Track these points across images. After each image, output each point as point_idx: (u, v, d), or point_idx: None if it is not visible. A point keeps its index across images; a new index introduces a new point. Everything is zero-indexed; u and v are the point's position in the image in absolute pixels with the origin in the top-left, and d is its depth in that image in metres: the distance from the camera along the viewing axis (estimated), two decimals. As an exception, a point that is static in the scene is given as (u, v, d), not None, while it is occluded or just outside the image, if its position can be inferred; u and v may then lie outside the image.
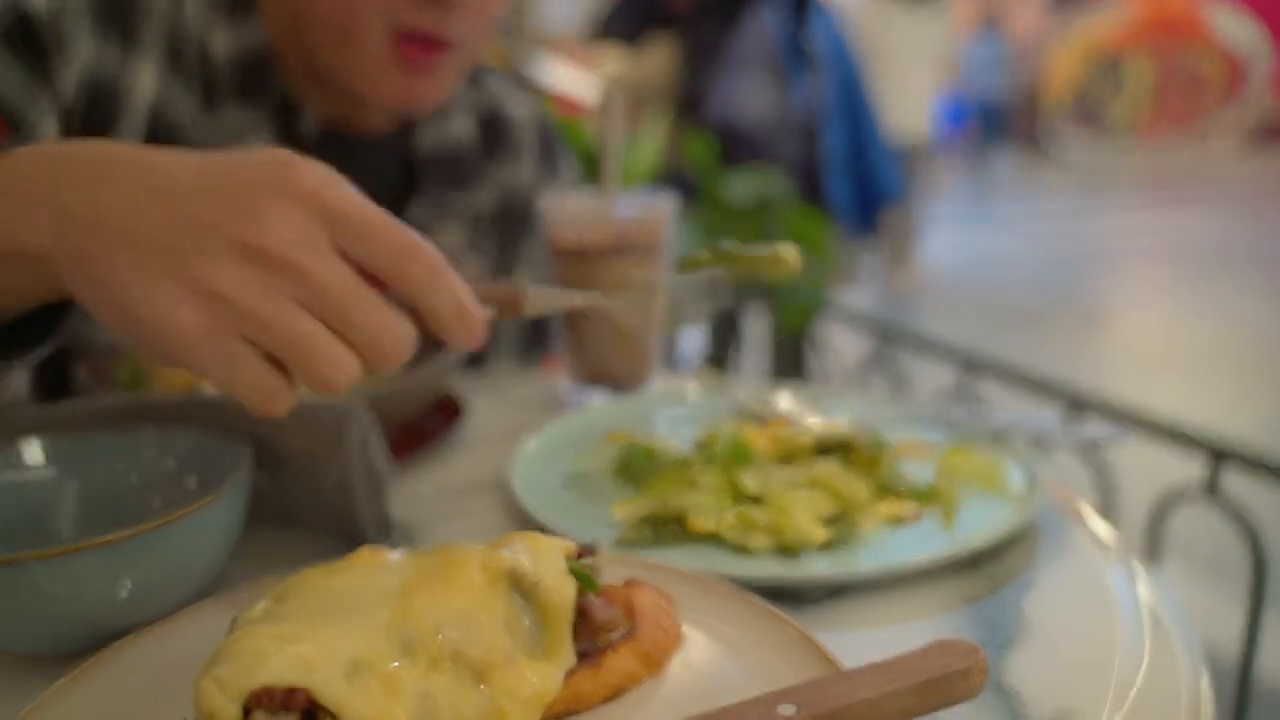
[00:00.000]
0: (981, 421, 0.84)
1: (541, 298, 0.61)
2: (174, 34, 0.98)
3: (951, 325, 5.91)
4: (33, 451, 0.63)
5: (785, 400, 0.87)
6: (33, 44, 0.88)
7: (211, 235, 0.49)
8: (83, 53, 0.90)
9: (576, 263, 0.91)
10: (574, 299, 0.64)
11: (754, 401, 0.88)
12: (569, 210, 0.92)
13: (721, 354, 2.99)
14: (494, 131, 1.19)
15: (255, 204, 0.50)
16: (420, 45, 0.91)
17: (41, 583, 0.51)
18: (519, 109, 1.22)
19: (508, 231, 1.20)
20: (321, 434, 0.63)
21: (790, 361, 2.86)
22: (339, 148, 1.05)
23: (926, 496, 0.71)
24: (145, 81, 0.94)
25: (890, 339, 2.08)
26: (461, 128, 1.15)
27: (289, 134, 1.00)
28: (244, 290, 0.49)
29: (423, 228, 1.08)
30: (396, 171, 1.11)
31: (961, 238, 8.63)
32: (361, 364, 0.52)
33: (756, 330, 3.00)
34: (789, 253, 0.63)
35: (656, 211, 0.92)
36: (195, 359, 0.50)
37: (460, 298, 0.53)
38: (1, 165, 0.55)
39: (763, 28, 3.08)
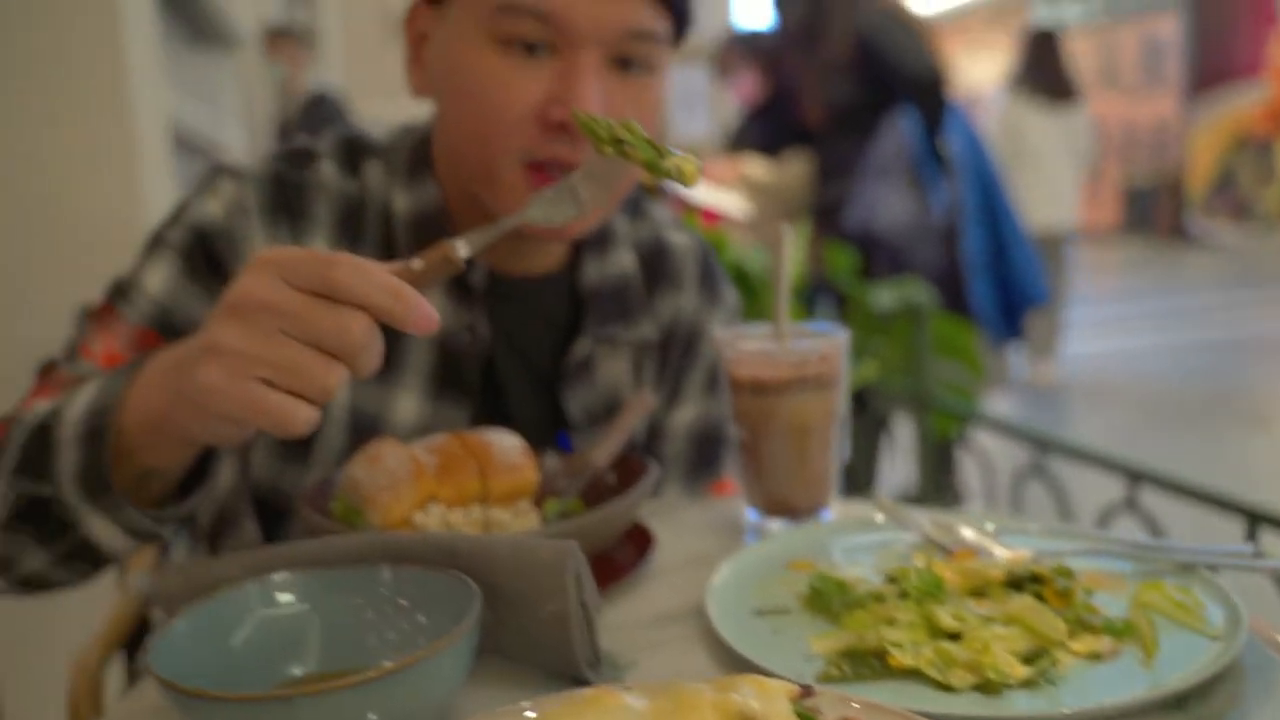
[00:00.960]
0: (1167, 551, 0.83)
1: (470, 240, 0.71)
2: (347, 202, 1.08)
3: (1102, 426, 5.72)
4: (284, 587, 0.69)
5: (969, 530, 0.89)
6: (211, 257, 1.02)
7: (211, 317, 0.69)
8: (257, 248, 1.02)
9: (755, 396, 0.95)
10: (504, 225, 0.73)
11: (936, 531, 0.89)
12: (745, 346, 0.96)
13: (868, 463, 2.97)
14: (656, 262, 1.24)
15: (232, 285, 0.69)
16: (555, 175, 0.98)
17: (303, 716, 0.56)
18: (680, 238, 1.28)
19: (673, 359, 1.25)
20: (540, 570, 0.68)
21: (939, 471, 2.83)
22: (508, 291, 1.12)
23: (1122, 632, 0.71)
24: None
25: (1046, 449, 2.04)
26: (624, 260, 1.21)
27: (459, 282, 1.08)
28: (237, 337, 0.66)
29: (590, 359, 1.15)
30: (564, 307, 1.17)
31: (1105, 331, 8.39)
32: (345, 365, 0.67)
33: (904, 438, 2.98)
34: (689, 164, 0.73)
35: (831, 345, 0.95)
36: (229, 408, 0.67)
37: (390, 283, 0.67)
38: (145, 368, 0.80)
39: (898, 136, 3.13)
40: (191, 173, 2.51)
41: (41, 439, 0.84)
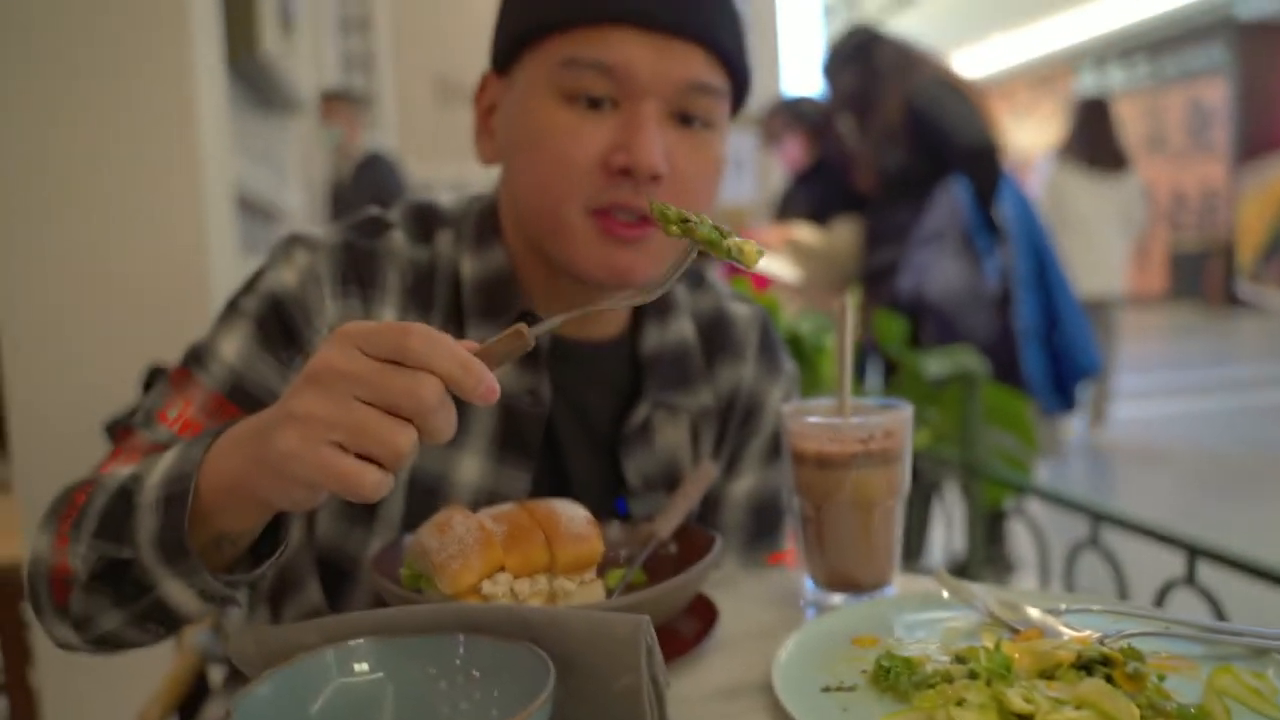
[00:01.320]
0: (1238, 634, 0.82)
1: (540, 326, 0.73)
2: (417, 270, 1.11)
3: (1154, 492, 5.62)
4: (361, 655, 0.70)
5: (1034, 609, 0.88)
6: (285, 325, 1.05)
7: (291, 387, 0.72)
8: (328, 316, 1.05)
9: (819, 470, 0.96)
10: (572, 313, 0.75)
11: (1001, 609, 0.89)
12: (810, 420, 0.97)
13: (918, 532, 2.93)
14: (716, 332, 1.26)
15: (312, 358, 0.71)
16: (623, 223, 1.01)
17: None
18: (741, 308, 1.30)
19: (732, 428, 1.26)
20: (613, 644, 0.69)
21: (990, 540, 2.79)
22: (572, 357, 1.14)
23: (1197, 719, 0.71)
24: (388, 319, 1.07)
25: (1101, 521, 2.01)
26: (684, 329, 1.23)
27: None
28: (313, 403, 0.69)
29: (649, 424, 1.16)
30: (625, 373, 1.19)
31: (1156, 397, 8.28)
32: (415, 428, 0.69)
33: (952, 506, 2.95)
34: (749, 246, 0.74)
35: (896, 420, 0.96)
36: (303, 471, 0.69)
37: (459, 354, 0.69)
38: (224, 435, 0.83)
39: (953, 204, 3.13)
40: (253, 234, 2.58)
41: (122, 503, 0.87)
